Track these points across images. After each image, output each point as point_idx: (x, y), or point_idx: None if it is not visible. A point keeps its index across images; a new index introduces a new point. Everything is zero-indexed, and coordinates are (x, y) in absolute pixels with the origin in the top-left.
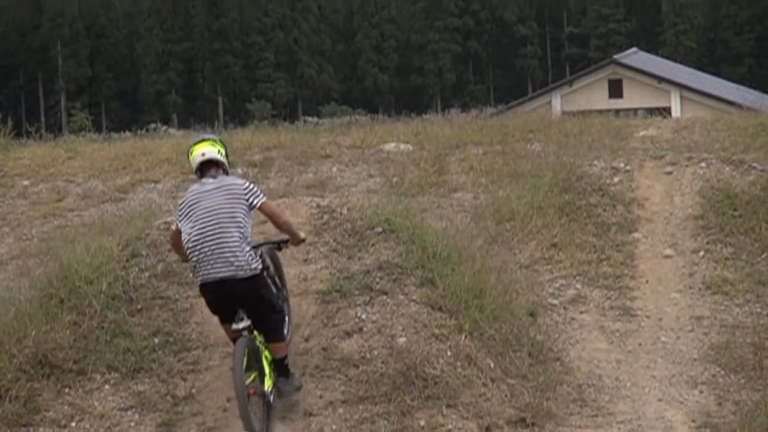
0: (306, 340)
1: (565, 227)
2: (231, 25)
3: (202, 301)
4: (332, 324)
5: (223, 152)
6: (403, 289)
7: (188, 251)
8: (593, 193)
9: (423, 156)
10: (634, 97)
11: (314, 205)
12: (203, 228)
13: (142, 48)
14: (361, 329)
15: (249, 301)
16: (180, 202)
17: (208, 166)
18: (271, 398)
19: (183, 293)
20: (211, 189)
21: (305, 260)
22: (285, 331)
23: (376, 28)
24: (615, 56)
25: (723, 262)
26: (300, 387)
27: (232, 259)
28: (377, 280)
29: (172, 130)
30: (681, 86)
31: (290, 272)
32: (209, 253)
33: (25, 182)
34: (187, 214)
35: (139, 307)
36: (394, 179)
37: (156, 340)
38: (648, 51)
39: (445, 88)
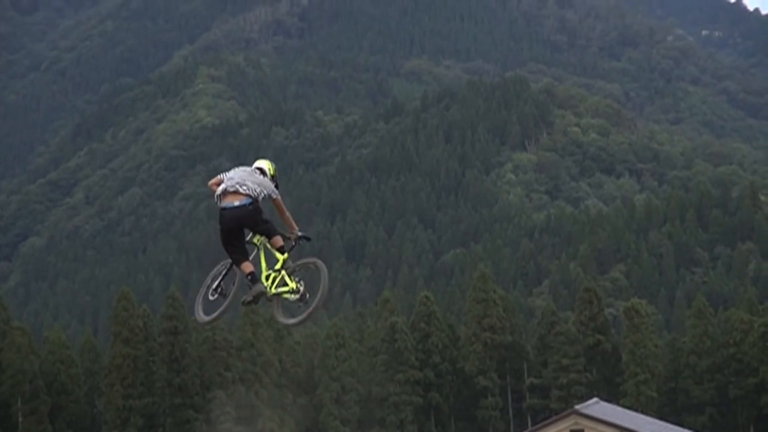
0: None
1: None
2: (192, 380)
3: None
4: None
5: (271, 172)
6: None
7: (219, 191)
8: None
9: None
10: None
11: None
12: (233, 183)
13: (103, 404)
14: None
15: (252, 216)
16: (228, 172)
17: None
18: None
19: None
20: (250, 171)
21: None
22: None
23: (337, 381)
24: (576, 407)
25: None
26: None
27: (241, 203)
28: None
29: None
30: None
31: None
32: (230, 196)
33: None
34: (228, 176)
35: None
36: None
37: None
38: (609, 401)
39: None
